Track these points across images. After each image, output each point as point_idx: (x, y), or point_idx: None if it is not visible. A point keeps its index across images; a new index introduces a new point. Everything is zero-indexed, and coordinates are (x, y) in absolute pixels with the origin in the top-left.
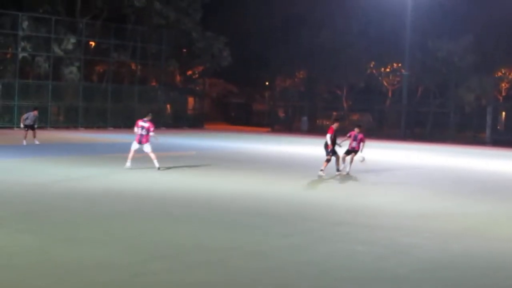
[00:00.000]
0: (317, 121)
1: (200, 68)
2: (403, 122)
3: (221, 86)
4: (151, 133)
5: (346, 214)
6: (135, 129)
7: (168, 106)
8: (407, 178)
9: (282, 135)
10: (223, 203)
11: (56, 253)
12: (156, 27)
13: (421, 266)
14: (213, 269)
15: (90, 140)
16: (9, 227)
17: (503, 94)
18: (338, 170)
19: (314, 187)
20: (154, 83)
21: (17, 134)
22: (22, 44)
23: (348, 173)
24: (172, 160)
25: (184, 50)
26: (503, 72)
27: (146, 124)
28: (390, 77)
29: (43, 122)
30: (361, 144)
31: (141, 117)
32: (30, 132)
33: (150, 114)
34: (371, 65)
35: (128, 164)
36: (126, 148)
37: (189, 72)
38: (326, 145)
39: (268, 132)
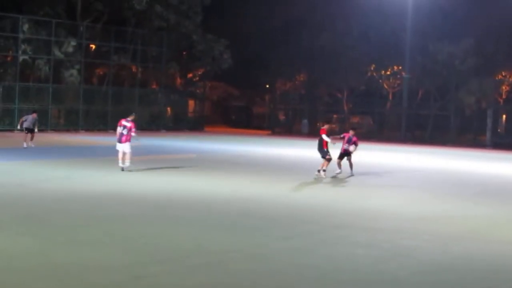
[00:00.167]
0: (318, 124)
1: (201, 71)
2: (404, 125)
3: (222, 89)
4: (132, 133)
5: (346, 217)
6: (118, 128)
7: (169, 108)
8: (408, 181)
9: (282, 138)
10: (223, 205)
11: (56, 256)
12: (156, 30)
13: (421, 269)
14: (213, 272)
15: (91, 143)
16: (9, 230)
17: (504, 97)
18: (324, 171)
19: (314, 190)
20: (154, 86)
21: (17, 137)
22: (23, 47)
23: (352, 175)
24: (172, 163)
25: (185, 53)
26: (503, 74)
27: (129, 124)
28: (391, 80)
29: (44, 125)
30: (353, 146)
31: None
32: (29, 134)
33: (133, 114)
34: (372, 68)
35: (120, 164)
36: None
37: (190, 75)
38: (321, 146)
39: (268, 135)
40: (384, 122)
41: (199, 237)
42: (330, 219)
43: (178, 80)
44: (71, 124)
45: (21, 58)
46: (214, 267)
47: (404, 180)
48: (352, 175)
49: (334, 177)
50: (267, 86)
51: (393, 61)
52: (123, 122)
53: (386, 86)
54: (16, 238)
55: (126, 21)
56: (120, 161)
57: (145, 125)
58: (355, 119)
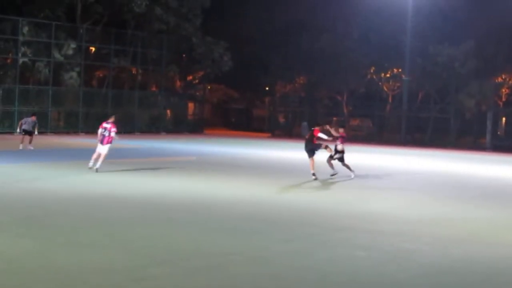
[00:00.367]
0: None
1: (201, 74)
2: (403, 128)
3: (222, 91)
4: (112, 134)
5: (346, 220)
6: (99, 130)
7: (169, 111)
8: (408, 184)
9: (282, 141)
10: (223, 208)
11: (56, 258)
12: (156, 33)
13: (421, 272)
14: (214, 275)
15: (90, 145)
16: (9, 232)
17: (503, 99)
18: (314, 174)
19: (314, 193)
20: (154, 89)
21: (17, 140)
22: (23, 49)
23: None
24: (172, 165)
25: (184, 56)
26: (503, 77)
27: (109, 125)
28: (391, 83)
29: (43, 127)
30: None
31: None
32: (26, 137)
33: (113, 116)
34: (372, 71)
35: (91, 164)
36: (126, 153)
37: (190, 78)
38: (314, 148)
39: (268, 137)
40: (384, 124)
41: (199, 239)
42: (331, 222)
43: (178, 83)
44: (71, 126)
45: (21, 60)
46: (214, 270)
47: (404, 182)
48: (353, 176)
49: (333, 175)
50: (267, 88)
51: (393, 63)
52: (104, 124)
53: (386, 89)
54: (16, 240)
55: (126, 23)
56: (92, 161)
57: (145, 128)
58: (354, 122)
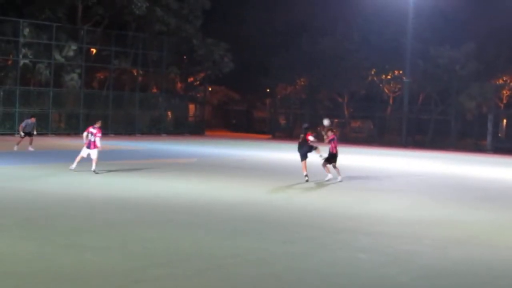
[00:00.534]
0: (318, 128)
1: (201, 75)
2: (404, 129)
3: (222, 93)
4: (96, 138)
5: (347, 221)
6: (85, 133)
7: (169, 113)
8: (408, 186)
9: (283, 142)
10: (224, 210)
11: (57, 259)
12: (157, 34)
13: (422, 274)
14: (214, 276)
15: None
16: (11, 234)
17: (504, 101)
18: (306, 176)
19: (315, 194)
20: (155, 90)
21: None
22: (23, 50)
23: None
24: (173, 167)
25: (185, 57)
26: (504, 79)
27: (95, 130)
28: (391, 84)
29: (44, 129)
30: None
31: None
32: (26, 138)
33: (99, 121)
34: (372, 72)
35: (73, 166)
36: (127, 155)
37: (190, 79)
38: (307, 151)
39: (269, 139)
40: (384, 126)
41: (200, 241)
42: (331, 224)
43: (179, 84)
44: (72, 128)
45: (21, 62)
46: (214, 272)
47: (405, 184)
48: (341, 180)
49: (328, 180)
50: (268, 90)
51: (393, 65)
52: (91, 129)
53: (386, 91)
54: (17, 241)
55: (127, 25)
56: (75, 163)
57: (146, 129)
58: (355, 124)
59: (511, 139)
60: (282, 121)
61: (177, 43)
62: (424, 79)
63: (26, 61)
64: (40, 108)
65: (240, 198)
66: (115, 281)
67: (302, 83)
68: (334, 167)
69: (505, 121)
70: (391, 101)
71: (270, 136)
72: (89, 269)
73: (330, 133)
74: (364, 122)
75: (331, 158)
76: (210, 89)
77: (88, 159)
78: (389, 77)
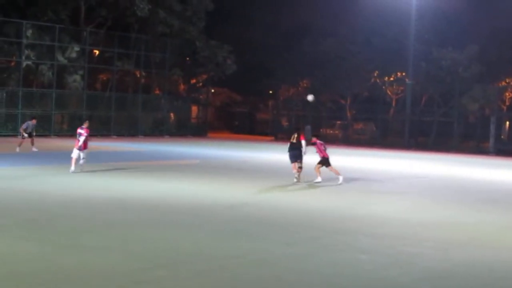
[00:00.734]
0: (321, 130)
1: (204, 77)
2: (407, 131)
3: (225, 94)
4: (81, 137)
5: (349, 223)
6: (77, 136)
7: (172, 114)
8: (410, 187)
9: (285, 144)
10: (226, 211)
11: (59, 261)
12: (160, 36)
13: (423, 275)
14: (215, 277)
15: (93, 148)
16: (12, 234)
17: (507, 103)
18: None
19: (317, 196)
20: (158, 92)
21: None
22: (26, 52)
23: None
24: (175, 169)
25: (188, 59)
26: (507, 81)
27: (83, 131)
28: (394, 86)
29: (47, 130)
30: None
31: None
32: (27, 139)
33: (87, 121)
34: (375, 74)
35: (72, 168)
36: (130, 156)
37: (193, 81)
38: (298, 154)
39: (271, 141)
40: (387, 128)
41: (202, 242)
42: (333, 225)
43: (182, 86)
44: (74, 129)
45: (24, 63)
46: (216, 273)
47: (407, 186)
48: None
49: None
50: (271, 92)
51: (396, 67)
52: (79, 130)
53: (389, 93)
54: (18, 242)
55: (130, 26)
56: (73, 165)
57: (148, 131)
58: (358, 126)
59: None
60: (285, 123)
61: (180, 44)
62: (426, 81)
63: (29, 62)
64: (42, 110)
65: (242, 199)
66: (116, 282)
67: (305, 85)
68: (331, 170)
69: (507, 123)
70: (393, 103)
71: (272, 138)
72: (89, 269)
73: (313, 138)
74: (367, 124)
75: (323, 162)
76: (212, 91)
77: (86, 159)
78: (391, 79)
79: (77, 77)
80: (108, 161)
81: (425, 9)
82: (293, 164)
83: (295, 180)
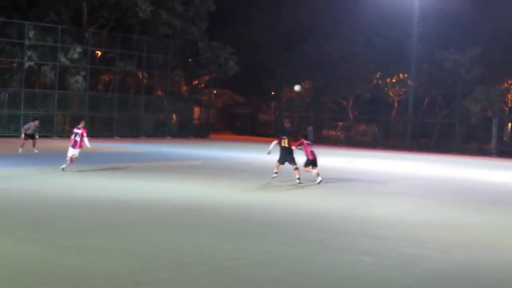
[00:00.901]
0: (323, 131)
1: (206, 78)
2: (409, 133)
3: (227, 96)
4: (84, 139)
5: (351, 224)
6: (72, 135)
7: (174, 115)
8: (413, 189)
9: None
10: (228, 212)
11: (60, 262)
12: (162, 37)
13: (426, 277)
14: (217, 279)
15: (95, 149)
16: (14, 236)
17: (509, 105)
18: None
19: (319, 197)
20: (160, 93)
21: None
22: (28, 53)
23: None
24: (177, 170)
25: (190, 60)
26: (509, 83)
27: (80, 131)
28: (396, 88)
29: (49, 131)
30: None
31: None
32: (29, 141)
33: (83, 121)
34: (377, 76)
35: (64, 165)
36: (132, 157)
37: (195, 82)
38: (290, 159)
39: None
40: (389, 130)
41: (203, 243)
42: (335, 226)
43: (184, 87)
44: None
45: (27, 64)
46: (218, 274)
47: (409, 188)
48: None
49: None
50: (273, 93)
51: (398, 68)
52: (75, 130)
53: (391, 94)
54: (20, 243)
55: (132, 28)
56: (67, 163)
57: (151, 132)
58: (360, 127)
59: None
60: (287, 124)
61: (182, 46)
62: (429, 83)
63: (31, 63)
64: (45, 111)
65: (244, 200)
66: (117, 283)
67: (307, 86)
68: (310, 170)
69: (509, 125)
70: (396, 105)
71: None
72: (91, 270)
73: (302, 139)
74: (369, 125)
75: (310, 163)
76: (215, 92)
77: (80, 159)
78: (394, 80)
79: (79, 78)
80: (110, 162)
81: (427, 11)
82: (278, 163)
83: (274, 175)
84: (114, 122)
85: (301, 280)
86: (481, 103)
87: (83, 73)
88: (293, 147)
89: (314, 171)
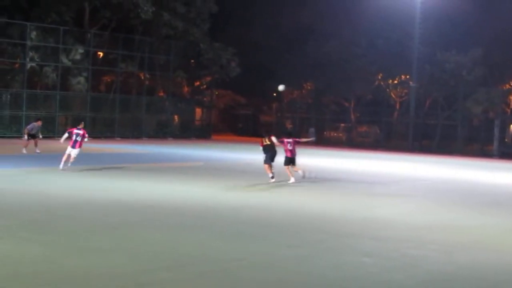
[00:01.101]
0: (325, 132)
1: (208, 79)
2: (411, 134)
3: (229, 97)
4: (85, 139)
5: (352, 226)
6: (66, 134)
7: (176, 116)
8: (414, 190)
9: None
10: (229, 213)
11: (62, 262)
12: (164, 38)
13: (428, 278)
14: (218, 280)
15: (97, 150)
16: (14, 236)
17: (511, 106)
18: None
19: (320, 198)
20: (162, 94)
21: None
22: (30, 54)
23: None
24: (179, 171)
25: (192, 61)
26: (511, 84)
27: (81, 132)
28: (398, 89)
29: (51, 132)
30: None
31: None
32: (31, 141)
33: (82, 122)
34: (379, 77)
35: (62, 166)
36: (133, 158)
37: (197, 83)
38: (273, 156)
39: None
40: (391, 131)
41: (205, 244)
42: (336, 227)
43: (186, 88)
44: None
45: (28, 65)
46: (219, 275)
47: (411, 189)
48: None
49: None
50: (274, 94)
51: (400, 70)
52: (75, 130)
53: (393, 95)
54: (22, 244)
55: (134, 29)
56: (63, 163)
57: (152, 133)
58: (362, 128)
59: None
60: (289, 125)
61: (184, 47)
62: (431, 84)
63: (33, 64)
64: (46, 111)
65: (246, 201)
66: (119, 284)
67: (309, 87)
68: (293, 168)
69: (511, 126)
70: (397, 106)
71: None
72: (93, 271)
73: (283, 137)
74: (371, 126)
75: (288, 161)
76: (216, 93)
77: (82, 159)
78: (395, 81)
79: (81, 79)
80: (112, 163)
81: (429, 12)
82: (266, 165)
83: (272, 180)
84: (116, 123)
85: (302, 281)
86: (483, 104)
87: (85, 74)
88: (273, 138)
89: (294, 169)
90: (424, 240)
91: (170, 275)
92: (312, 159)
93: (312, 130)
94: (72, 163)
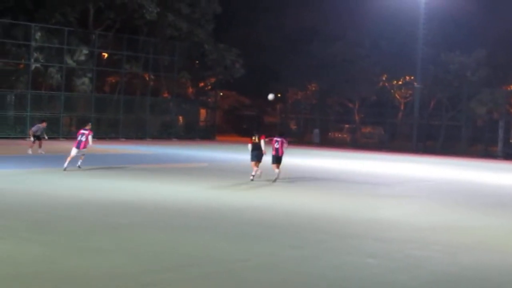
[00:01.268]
0: (329, 133)
1: (212, 80)
2: (415, 135)
3: (233, 98)
4: (89, 137)
5: (356, 227)
6: (78, 136)
7: (180, 117)
8: (418, 191)
9: (293, 148)
10: (233, 214)
11: (64, 263)
12: (168, 39)
13: (432, 279)
14: (222, 281)
15: (101, 151)
16: (16, 236)
17: None
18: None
19: (324, 199)
20: (166, 95)
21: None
22: (35, 55)
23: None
24: (183, 172)
25: (197, 62)
26: None
27: (86, 132)
28: (402, 90)
29: (55, 132)
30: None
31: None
32: (36, 142)
33: (89, 123)
34: (383, 78)
35: (66, 165)
36: (138, 159)
37: (201, 84)
38: (261, 154)
39: None
40: (395, 132)
41: (208, 245)
42: (340, 229)
43: (190, 89)
44: None
45: (33, 66)
46: (223, 276)
47: (415, 190)
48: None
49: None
50: (279, 95)
51: (404, 71)
52: (82, 131)
53: (397, 96)
54: (24, 244)
55: (138, 29)
56: (67, 163)
57: (157, 134)
58: (366, 129)
59: None
60: (293, 126)
61: (188, 47)
62: (435, 85)
63: (38, 65)
64: (51, 112)
65: (249, 202)
66: (122, 285)
67: (313, 88)
68: (277, 167)
69: None
70: (402, 107)
71: None
72: (95, 272)
73: (275, 138)
74: (375, 127)
75: (275, 160)
76: (221, 94)
77: (86, 160)
78: (400, 82)
79: (86, 80)
80: (116, 164)
81: (433, 13)
82: (253, 162)
83: (251, 178)
84: (120, 124)
85: (306, 282)
86: (487, 105)
87: (89, 74)
88: (262, 140)
89: (276, 170)
90: (428, 241)
91: (172, 275)
92: (316, 160)
93: (316, 131)
94: (82, 163)
